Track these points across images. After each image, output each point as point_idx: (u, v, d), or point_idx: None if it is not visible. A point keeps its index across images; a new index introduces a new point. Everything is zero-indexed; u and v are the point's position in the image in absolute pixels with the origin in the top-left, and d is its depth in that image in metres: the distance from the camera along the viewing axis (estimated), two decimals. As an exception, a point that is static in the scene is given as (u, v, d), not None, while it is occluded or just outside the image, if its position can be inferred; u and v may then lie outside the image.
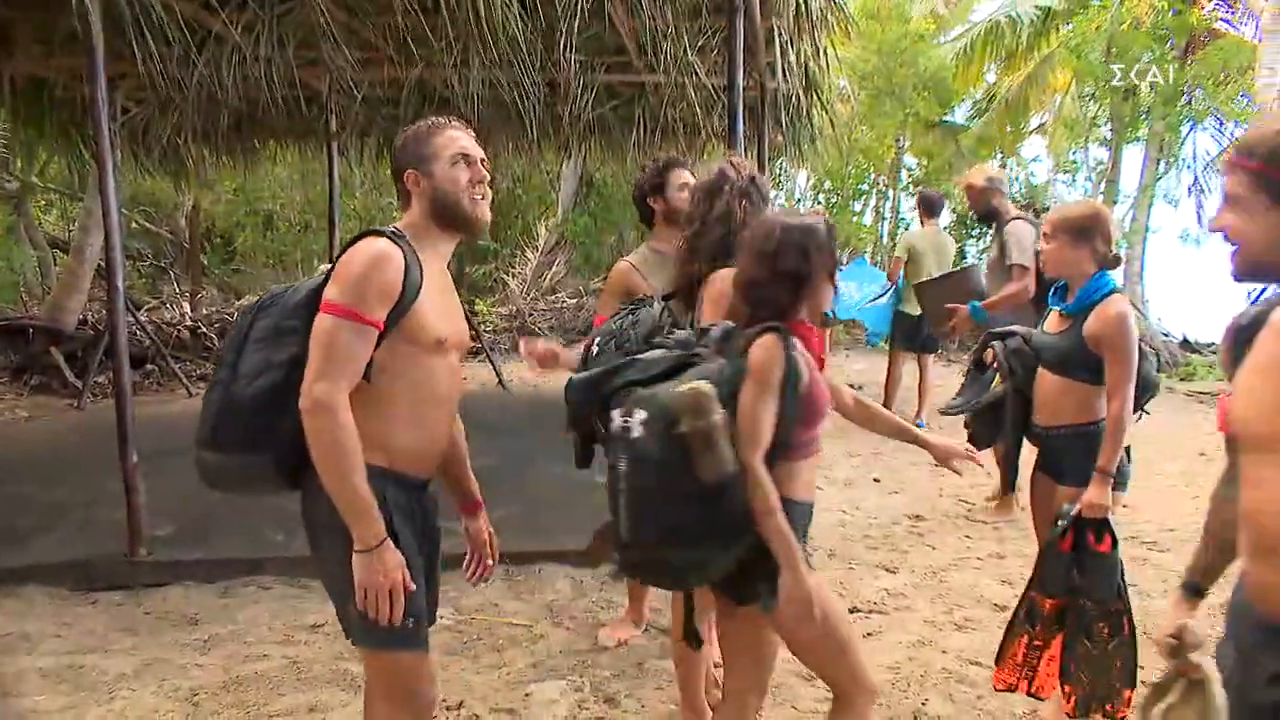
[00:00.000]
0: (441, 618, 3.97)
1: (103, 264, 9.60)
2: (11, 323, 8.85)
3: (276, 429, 1.99)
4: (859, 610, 4.16)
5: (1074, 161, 17.36)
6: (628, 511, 2.11)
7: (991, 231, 5.70)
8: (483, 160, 2.16)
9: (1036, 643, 2.97)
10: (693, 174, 3.36)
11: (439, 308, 2.09)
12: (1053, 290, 3.13)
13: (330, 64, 5.63)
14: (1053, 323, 3.12)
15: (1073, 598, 2.88)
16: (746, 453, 2.04)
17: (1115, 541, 2.83)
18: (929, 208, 7.99)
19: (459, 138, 2.15)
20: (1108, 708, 2.86)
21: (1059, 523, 2.89)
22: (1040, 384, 3.10)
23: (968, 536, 5.29)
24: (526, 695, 3.34)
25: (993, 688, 3.17)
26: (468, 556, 2.48)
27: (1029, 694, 3.03)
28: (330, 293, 1.96)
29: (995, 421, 3.25)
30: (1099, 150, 17.39)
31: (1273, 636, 1.51)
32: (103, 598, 4.20)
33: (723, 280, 2.68)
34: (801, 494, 2.20)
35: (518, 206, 15.93)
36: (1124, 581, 2.87)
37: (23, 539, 4.69)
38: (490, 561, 2.48)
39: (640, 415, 2.05)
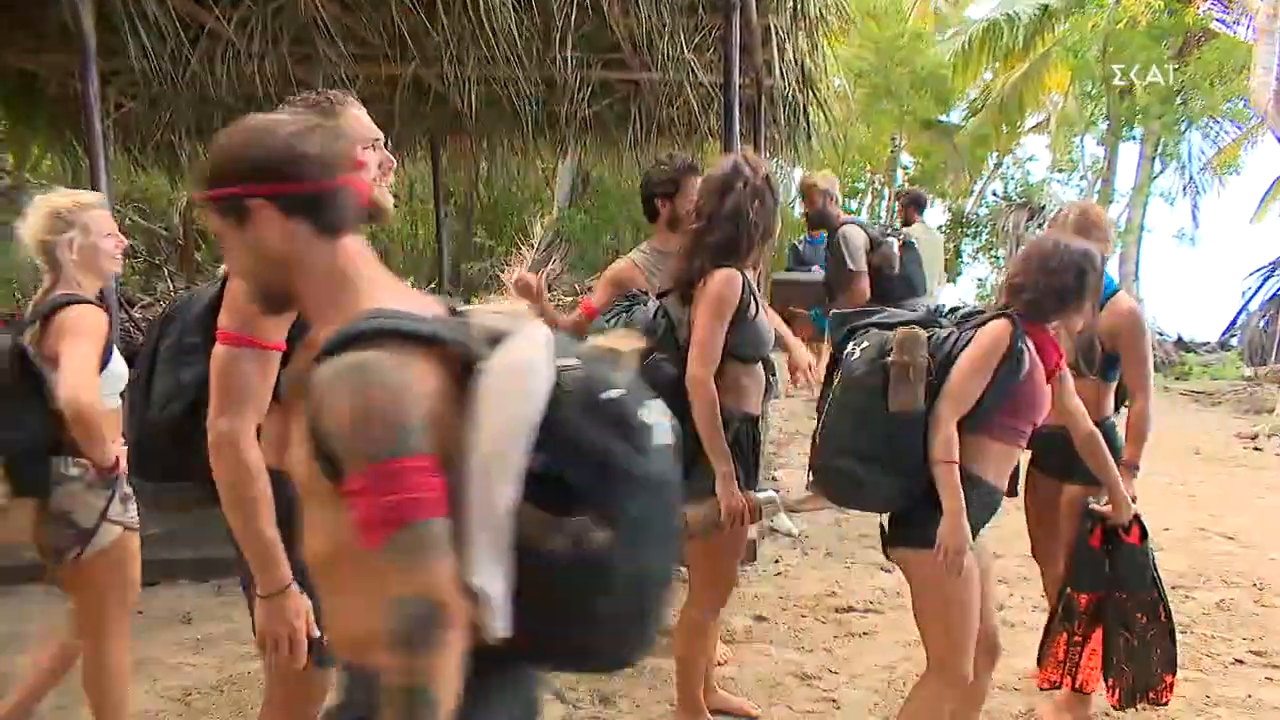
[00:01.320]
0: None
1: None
2: (3, 321, 8.78)
3: (200, 454, 1.81)
4: (854, 609, 4.15)
5: (1072, 160, 17.37)
6: (826, 423, 2.45)
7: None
8: (384, 142, 2.02)
9: (1076, 639, 2.98)
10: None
11: None
12: None
13: (324, 60, 5.60)
14: None
15: (1108, 591, 2.89)
16: (944, 404, 2.29)
17: (1145, 533, 2.84)
18: (917, 205, 8.02)
19: (363, 118, 1.98)
20: (1151, 694, 2.90)
21: (1088, 520, 2.89)
22: None
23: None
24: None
25: (1037, 688, 3.16)
26: None
27: (1074, 689, 3.02)
28: (223, 319, 1.81)
29: None
30: (1096, 149, 17.42)
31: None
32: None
33: (721, 281, 2.66)
34: (990, 476, 2.38)
35: (513, 204, 15.90)
36: (1157, 571, 2.89)
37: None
38: None
39: (863, 344, 2.40)
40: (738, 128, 4.76)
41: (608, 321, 2.86)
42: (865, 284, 5.22)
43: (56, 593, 4.16)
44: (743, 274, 2.69)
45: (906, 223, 7.75)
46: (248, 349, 1.78)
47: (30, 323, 2.50)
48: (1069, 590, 2.96)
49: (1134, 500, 2.86)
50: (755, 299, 2.72)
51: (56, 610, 4.02)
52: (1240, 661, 3.67)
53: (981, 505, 2.37)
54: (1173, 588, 4.48)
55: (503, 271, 13.88)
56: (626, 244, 15.46)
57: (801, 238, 8.65)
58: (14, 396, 2.40)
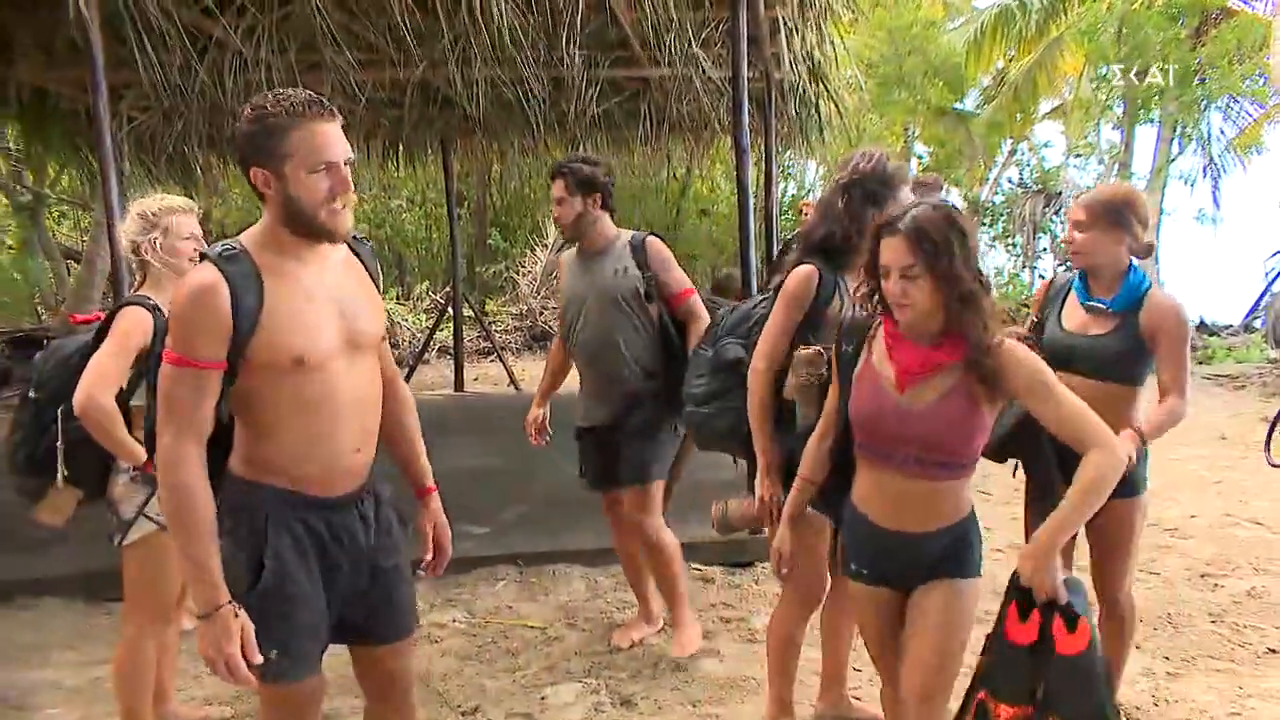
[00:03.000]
0: (455, 621, 3.98)
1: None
2: (28, 334, 8.90)
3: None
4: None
5: (1089, 144, 17.19)
6: None
7: None
8: (349, 162, 1.85)
9: None
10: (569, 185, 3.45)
11: (294, 323, 1.85)
12: (1079, 278, 2.82)
13: (331, 67, 5.60)
14: (1078, 320, 2.77)
15: (1039, 713, 2.04)
16: None
17: (1093, 639, 2.01)
18: (927, 194, 7.93)
19: (323, 134, 1.80)
20: None
21: (1013, 595, 2.09)
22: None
23: (986, 528, 5.19)
24: (542, 699, 3.31)
25: None
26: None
27: None
28: (167, 339, 1.82)
29: (1032, 442, 2.75)
30: (1112, 133, 17.23)
31: None
32: (117, 609, 4.18)
33: (796, 277, 2.62)
34: (853, 496, 2.29)
35: (526, 205, 15.92)
36: (1112, 703, 2.10)
37: (38, 550, 4.68)
38: (429, 556, 2.28)
39: None
40: (747, 121, 4.71)
41: (754, 308, 2.88)
42: None
43: (72, 604, 4.24)
44: (832, 273, 2.63)
45: None
46: (185, 368, 1.78)
47: (105, 322, 2.64)
48: (982, 694, 2.12)
49: (1133, 462, 2.49)
50: (842, 297, 2.63)
51: (72, 622, 4.08)
52: (1273, 651, 3.59)
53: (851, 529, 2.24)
54: (1201, 576, 4.42)
55: (517, 273, 13.91)
56: (640, 242, 15.47)
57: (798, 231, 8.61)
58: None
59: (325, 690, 2.10)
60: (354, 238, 2.03)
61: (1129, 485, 2.59)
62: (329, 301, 1.92)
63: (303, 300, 1.88)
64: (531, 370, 10.08)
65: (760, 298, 2.91)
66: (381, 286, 2.13)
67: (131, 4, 4.44)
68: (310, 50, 5.51)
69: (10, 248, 12.04)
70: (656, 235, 3.59)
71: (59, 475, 2.66)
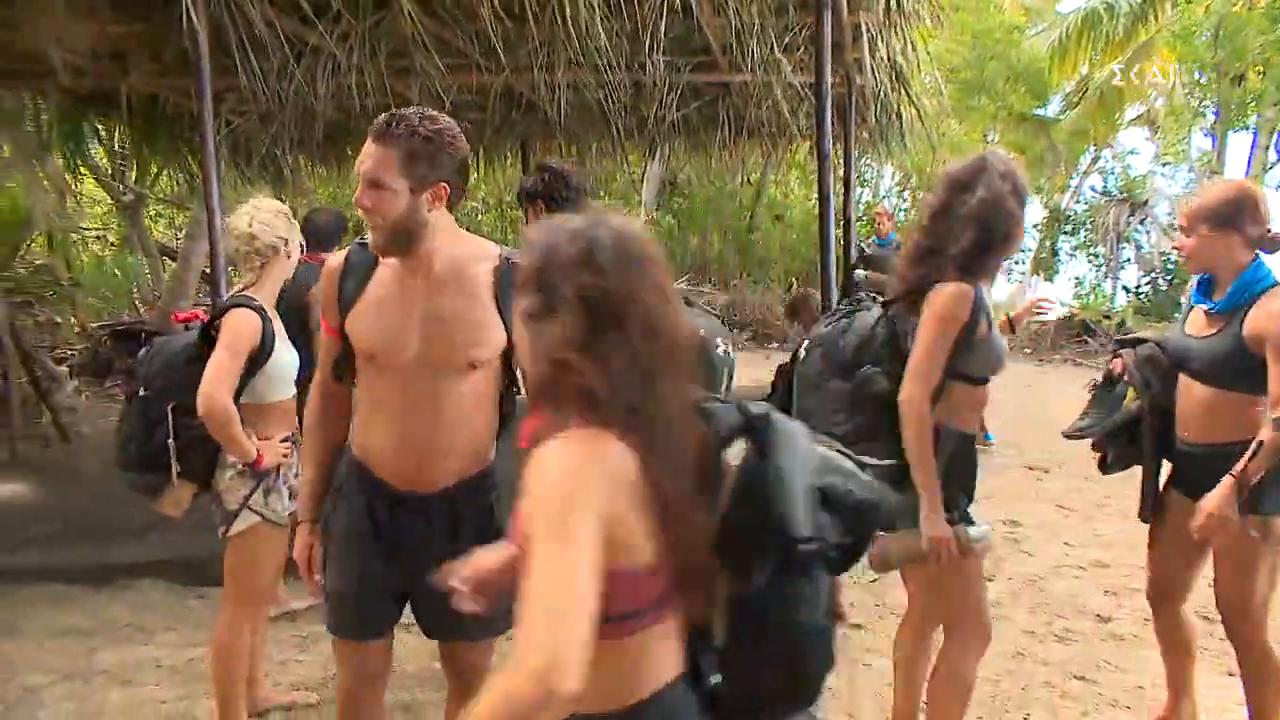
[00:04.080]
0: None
1: (208, 270, 10.04)
2: (127, 327, 9.31)
3: None
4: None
5: (1180, 151, 16.61)
6: None
7: None
8: (374, 182, 1.89)
9: None
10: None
11: (372, 321, 2.02)
12: (1197, 284, 2.73)
13: (420, 72, 5.75)
14: (1197, 323, 2.69)
15: None
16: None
17: None
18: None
19: (364, 152, 1.92)
20: None
21: None
22: (1184, 396, 2.67)
23: (1067, 544, 5.10)
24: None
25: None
26: None
27: None
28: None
29: (1131, 442, 2.84)
30: (1202, 140, 16.62)
31: None
32: (212, 593, 4.35)
33: (951, 297, 2.36)
34: None
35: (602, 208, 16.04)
36: None
37: (139, 534, 4.91)
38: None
39: None
40: (829, 127, 4.69)
41: (826, 326, 2.61)
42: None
43: (171, 587, 4.43)
44: (976, 288, 2.39)
45: None
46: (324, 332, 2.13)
47: (213, 320, 2.76)
48: None
49: (1224, 518, 2.44)
50: (987, 315, 2.42)
51: (171, 604, 4.26)
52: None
53: None
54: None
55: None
56: (713, 246, 15.46)
57: (869, 239, 8.52)
58: (189, 389, 2.63)
59: (376, 663, 2.20)
60: (507, 259, 2.01)
61: (1252, 499, 2.47)
62: (413, 311, 1.99)
63: (381, 302, 2.01)
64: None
65: (874, 315, 2.55)
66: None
67: (237, 14, 4.62)
68: (401, 56, 5.66)
69: (112, 244, 12.60)
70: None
71: (173, 471, 2.77)
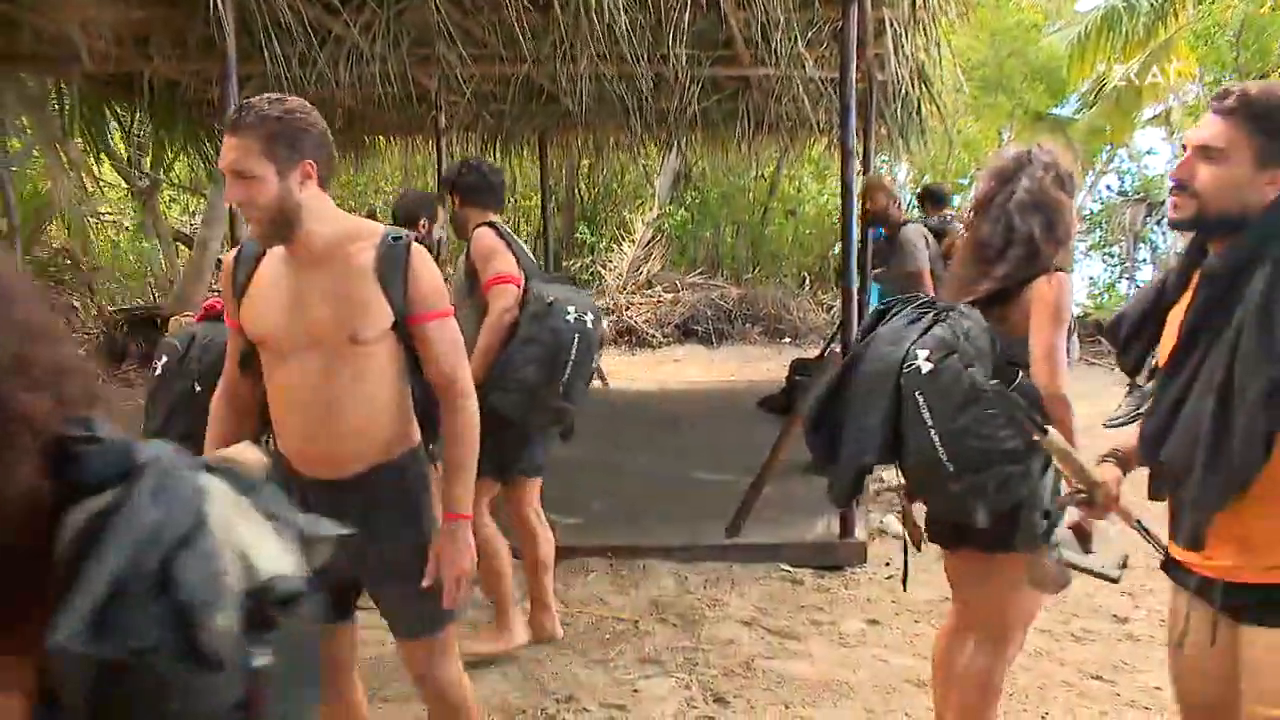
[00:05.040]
0: (549, 609, 4.05)
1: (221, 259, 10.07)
2: (144, 313, 9.36)
3: None
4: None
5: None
6: None
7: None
8: (239, 174, 1.91)
9: None
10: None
11: (260, 307, 2.07)
12: None
13: (442, 61, 5.75)
14: None
15: None
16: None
17: None
18: (934, 200, 7.20)
19: (224, 148, 1.96)
20: None
21: None
22: None
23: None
24: (635, 691, 3.36)
25: None
26: None
27: None
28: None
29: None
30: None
31: None
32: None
33: (1064, 288, 2.30)
34: None
35: (614, 199, 16.03)
36: None
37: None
38: (426, 582, 2.09)
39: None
40: (854, 122, 4.68)
41: (907, 326, 2.36)
42: (927, 281, 5.28)
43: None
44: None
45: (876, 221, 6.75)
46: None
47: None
48: None
49: None
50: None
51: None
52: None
53: None
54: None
55: (604, 267, 14.04)
56: (726, 240, 15.44)
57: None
58: None
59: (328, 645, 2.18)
60: (388, 238, 2.04)
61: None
62: (296, 293, 2.04)
63: (271, 284, 2.07)
64: (617, 365, 10.17)
65: (974, 315, 2.31)
66: (406, 283, 2.03)
67: (263, 1, 4.63)
68: (423, 45, 5.66)
69: (126, 229, 12.64)
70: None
71: None
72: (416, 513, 2.13)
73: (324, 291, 2.01)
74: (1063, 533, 2.11)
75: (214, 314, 3.07)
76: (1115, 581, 2.11)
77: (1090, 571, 2.08)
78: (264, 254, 2.11)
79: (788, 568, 4.46)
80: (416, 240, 2.12)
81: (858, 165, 5.26)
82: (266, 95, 1.96)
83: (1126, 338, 1.92)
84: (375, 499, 2.08)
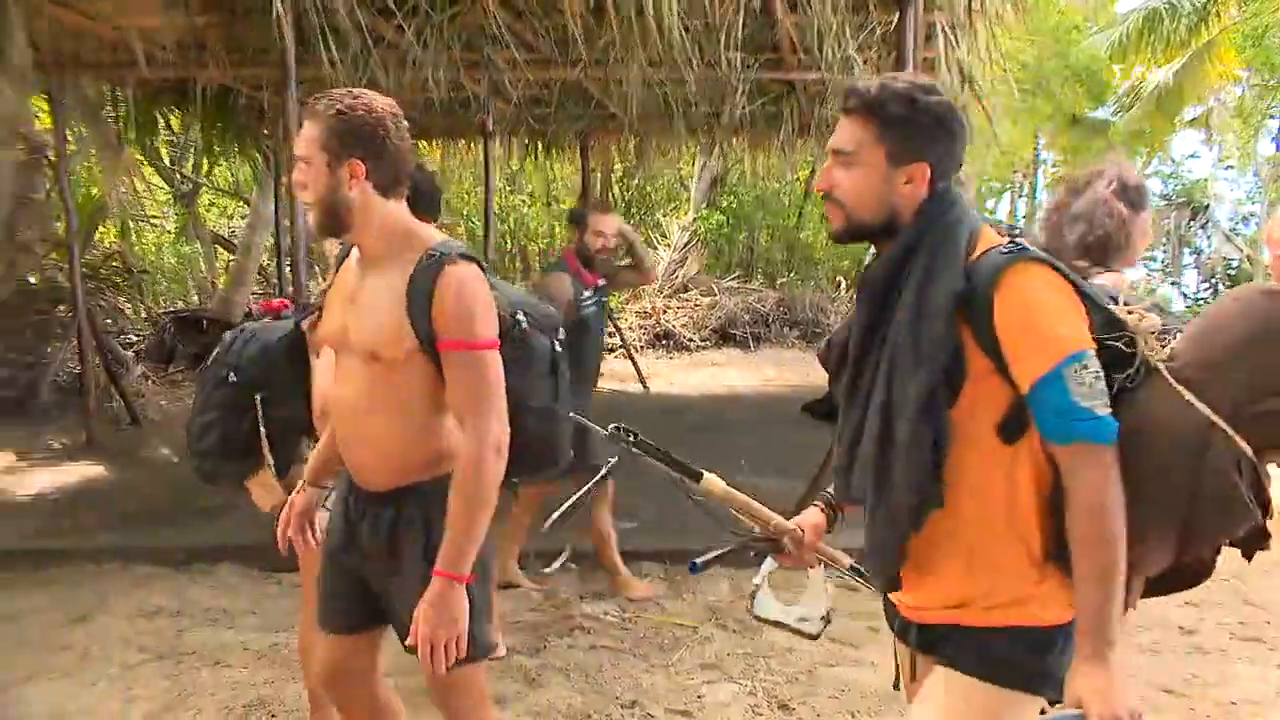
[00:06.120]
0: (607, 614, 4.05)
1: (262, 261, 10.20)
2: (190, 313, 9.48)
3: None
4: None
5: (1247, 154, 16.28)
6: None
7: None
8: (299, 157, 1.93)
9: None
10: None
11: (329, 306, 2.14)
12: None
13: (492, 66, 5.77)
14: None
15: None
16: None
17: None
18: None
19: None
20: None
21: None
22: None
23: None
24: (699, 697, 3.34)
25: None
26: None
27: None
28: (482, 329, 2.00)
29: None
30: (1267, 145, 16.23)
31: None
32: (286, 579, 4.41)
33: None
34: None
35: (649, 203, 16.03)
36: None
37: (212, 518, 5.00)
38: (409, 640, 1.94)
39: None
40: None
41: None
42: None
43: (248, 572, 4.49)
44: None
45: None
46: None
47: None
48: None
49: None
50: None
51: (250, 589, 4.33)
52: None
53: None
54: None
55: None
56: (761, 245, 15.39)
57: None
58: (284, 380, 2.62)
59: (335, 659, 2.18)
60: (425, 255, 1.92)
61: None
62: (347, 299, 2.03)
63: (337, 289, 2.09)
64: (656, 369, 10.16)
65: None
66: (427, 307, 1.88)
67: (320, 7, 4.67)
68: (473, 49, 5.69)
69: (168, 232, 12.81)
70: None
71: (267, 461, 2.72)
72: (428, 549, 1.95)
73: (364, 301, 1.98)
74: (760, 584, 1.92)
75: (274, 314, 3.12)
76: (813, 638, 1.91)
77: (786, 627, 1.93)
78: (349, 255, 2.12)
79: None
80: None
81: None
82: (348, 89, 1.94)
83: (835, 362, 1.74)
84: (399, 520, 2.02)
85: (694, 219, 14.11)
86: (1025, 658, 1.50)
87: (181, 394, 8.11)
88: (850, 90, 1.55)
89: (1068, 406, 1.39)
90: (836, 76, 6.02)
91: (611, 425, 1.68)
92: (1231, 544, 1.55)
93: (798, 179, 15.09)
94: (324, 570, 2.17)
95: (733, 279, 13.53)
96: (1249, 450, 1.40)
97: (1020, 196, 22.57)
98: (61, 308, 7.33)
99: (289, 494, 2.77)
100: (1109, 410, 1.42)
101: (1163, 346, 1.47)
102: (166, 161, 11.38)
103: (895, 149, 1.51)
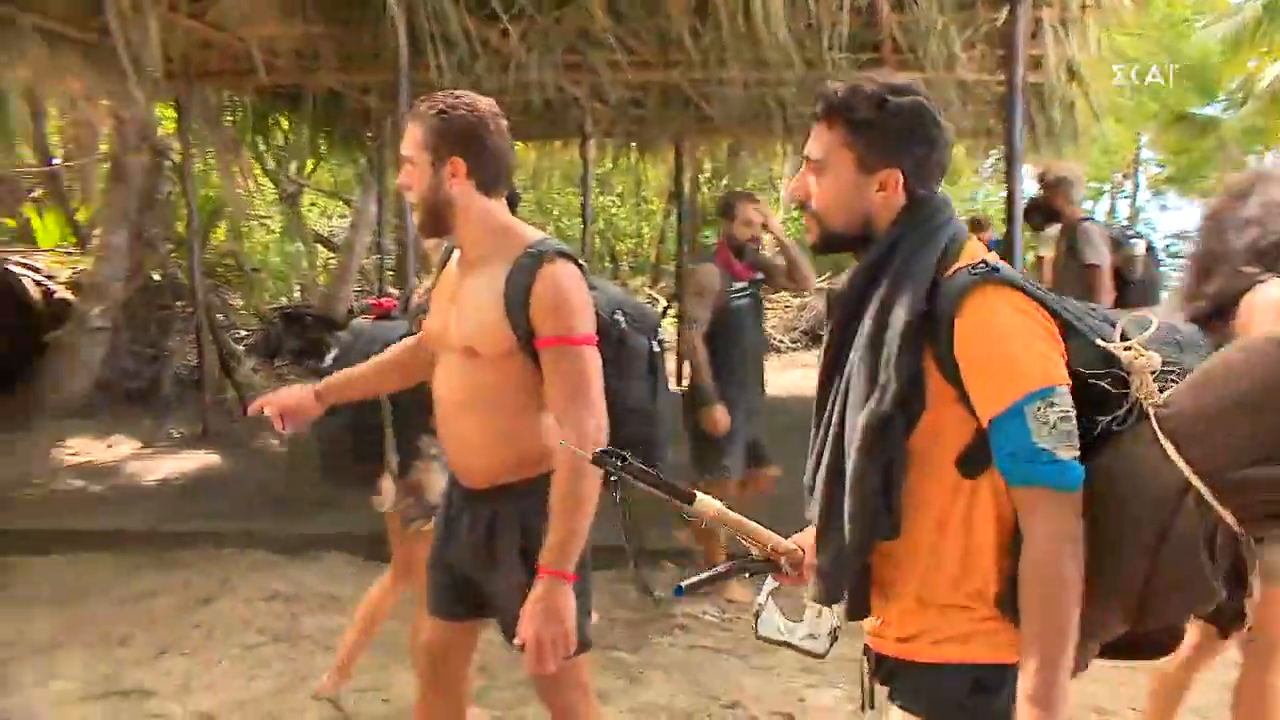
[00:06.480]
0: (706, 614, 4.06)
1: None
2: (295, 310, 9.87)
3: None
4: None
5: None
6: None
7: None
8: (404, 158, 1.99)
9: None
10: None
11: (433, 304, 2.14)
12: None
13: (593, 68, 5.84)
14: None
15: None
16: None
17: None
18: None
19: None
20: None
21: None
22: None
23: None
24: (801, 700, 3.33)
25: None
26: None
27: None
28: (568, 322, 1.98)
29: None
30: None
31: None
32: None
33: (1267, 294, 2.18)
34: None
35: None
36: None
37: (322, 508, 5.19)
38: (517, 641, 1.92)
39: None
40: (1020, 124, 4.54)
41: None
42: (1107, 279, 4.72)
43: (354, 560, 4.65)
44: None
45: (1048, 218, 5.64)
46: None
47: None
48: None
49: None
50: None
51: (356, 576, 4.47)
52: None
53: None
54: None
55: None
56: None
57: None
58: None
59: (441, 642, 2.21)
60: (525, 252, 1.94)
61: None
62: (449, 296, 2.06)
63: (441, 288, 2.11)
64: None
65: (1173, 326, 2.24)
66: (525, 304, 1.90)
67: (431, 13, 4.81)
68: (575, 51, 5.78)
69: (272, 232, 13.33)
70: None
71: (393, 464, 2.80)
72: (525, 549, 1.97)
73: (464, 299, 2.00)
74: (763, 604, 1.80)
75: (384, 313, 3.22)
76: (820, 657, 1.79)
77: (792, 646, 1.81)
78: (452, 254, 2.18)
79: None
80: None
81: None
82: (451, 91, 1.99)
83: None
84: (496, 520, 2.04)
85: (784, 219, 13.99)
86: (972, 699, 1.38)
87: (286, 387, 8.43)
88: (819, 94, 1.45)
89: (1026, 447, 1.26)
90: (939, 75, 5.93)
91: (598, 450, 1.62)
92: (1205, 619, 1.37)
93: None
94: (430, 559, 2.23)
95: (823, 280, 13.39)
96: (1232, 520, 1.21)
97: (1119, 196, 21.79)
98: (181, 303, 7.72)
99: (409, 494, 2.87)
100: (1075, 454, 1.27)
101: (1161, 390, 1.29)
102: (273, 164, 11.85)
103: (864, 155, 1.40)
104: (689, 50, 5.41)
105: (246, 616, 3.93)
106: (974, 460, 1.33)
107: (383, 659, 3.56)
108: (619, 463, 1.57)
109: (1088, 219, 5.15)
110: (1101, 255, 4.75)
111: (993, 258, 1.37)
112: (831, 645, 1.73)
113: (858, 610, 1.47)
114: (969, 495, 1.35)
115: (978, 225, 8.20)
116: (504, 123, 1.99)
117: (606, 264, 14.13)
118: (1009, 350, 1.29)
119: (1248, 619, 1.32)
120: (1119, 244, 4.86)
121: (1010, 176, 4.57)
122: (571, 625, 1.89)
